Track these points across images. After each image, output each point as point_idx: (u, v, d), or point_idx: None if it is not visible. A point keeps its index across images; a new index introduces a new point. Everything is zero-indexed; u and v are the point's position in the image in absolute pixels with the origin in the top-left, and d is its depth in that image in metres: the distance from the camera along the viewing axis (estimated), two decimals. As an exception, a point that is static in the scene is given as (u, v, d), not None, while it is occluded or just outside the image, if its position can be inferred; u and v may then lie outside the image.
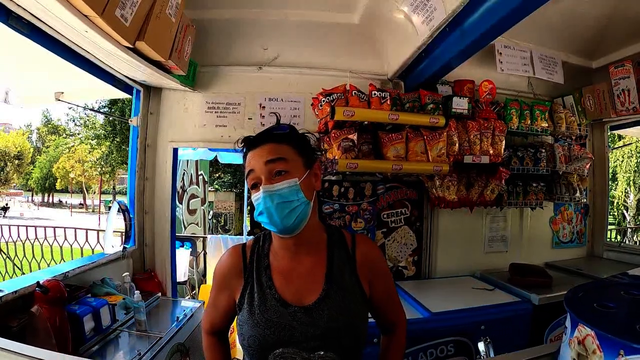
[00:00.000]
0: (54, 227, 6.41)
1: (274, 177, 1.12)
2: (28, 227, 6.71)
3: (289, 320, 1.12)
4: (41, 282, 1.85)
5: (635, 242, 8.76)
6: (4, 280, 5.45)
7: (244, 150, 1.21)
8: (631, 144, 10.59)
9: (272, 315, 1.13)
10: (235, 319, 1.25)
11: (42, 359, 1.00)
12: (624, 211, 15.87)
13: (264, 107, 3.09)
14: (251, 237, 1.38)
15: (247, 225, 6.21)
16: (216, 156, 6.23)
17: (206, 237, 4.92)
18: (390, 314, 1.35)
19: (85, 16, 1.65)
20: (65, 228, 6.39)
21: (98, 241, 5.92)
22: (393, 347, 1.35)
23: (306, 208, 1.15)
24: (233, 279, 1.24)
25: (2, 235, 6.78)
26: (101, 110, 14.75)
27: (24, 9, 1.72)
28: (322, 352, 1.07)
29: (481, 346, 1.14)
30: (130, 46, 2.01)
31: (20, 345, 1.05)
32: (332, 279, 1.18)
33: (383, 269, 1.32)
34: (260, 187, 1.12)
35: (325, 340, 1.10)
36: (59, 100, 3.02)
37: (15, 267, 6.16)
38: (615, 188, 15.48)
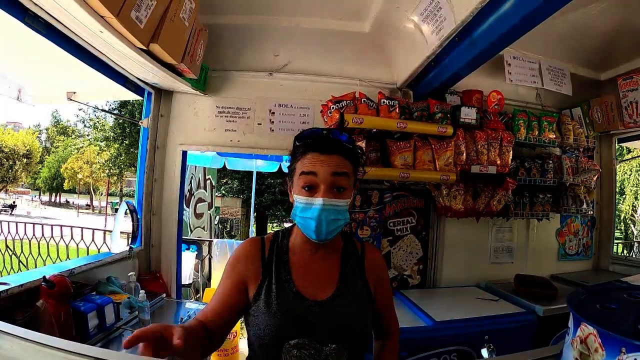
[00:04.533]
0: (61, 226, 6.45)
1: (334, 190, 1.17)
2: (35, 225, 6.77)
3: (305, 312, 1.17)
4: (47, 277, 1.87)
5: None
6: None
7: (306, 145, 1.22)
8: (639, 157, 10.51)
9: (288, 307, 1.17)
10: (238, 322, 1.28)
11: (53, 346, 1.01)
12: (632, 225, 15.71)
13: (273, 113, 3.12)
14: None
15: (253, 231, 6.25)
16: (224, 162, 6.27)
17: (212, 240, 4.94)
18: (387, 320, 1.41)
19: (101, 17, 1.68)
20: (72, 227, 6.42)
21: (104, 241, 5.94)
22: (388, 350, 1.41)
23: (344, 225, 1.23)
24: (249, 269, 1.25)
25: (9, 232, 6.83)
26: (112, 112, 14.87)
27: (41, 8, 1.75)
28: (334, 345, 1.13)
29: (484, 353, 1.15)
30: (144, 48, 2.03)
31: (33, 333, 1.06)
32: (345, 279, 1.26)
33: (385, 277, 1.41)
34: (320, 198, 1.15)
35: (337, 333, 1.15)
36: (71, 100, 3.05)
37: (20, 263, 6.20)
38: (623, 202, 15.34)
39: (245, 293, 1.23)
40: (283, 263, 1.26)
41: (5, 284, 1.78)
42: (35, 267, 6.01)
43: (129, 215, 2.97)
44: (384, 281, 1.38)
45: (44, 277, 1.87)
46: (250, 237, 1.37)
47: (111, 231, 3.46)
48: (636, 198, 15.45)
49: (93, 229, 6.23)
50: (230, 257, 1.31)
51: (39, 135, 40.18)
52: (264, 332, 1.15)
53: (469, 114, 2.91)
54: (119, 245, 2.93)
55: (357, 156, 1.28)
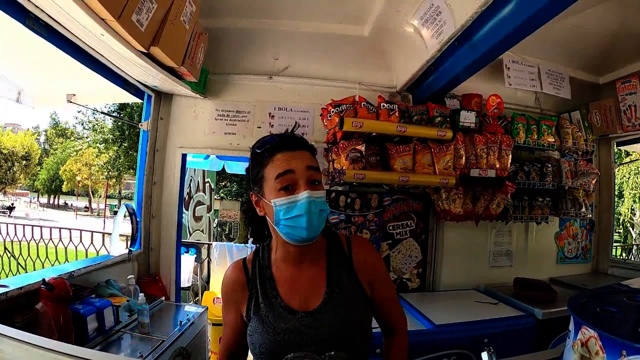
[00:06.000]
0: (60, 228, 6.45)
1: (313, 184, 1.16)
2: (33, 227, 6.76)
3: (297, 325, 1.16)
4: (47, 280, 1.87)
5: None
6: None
7: (269, 148, 1.20)
8: (638, 160, 10.55)
9: (280, 323, 1.17)
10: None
11: (52, 349, 1.02)
12: (630, 229, 15.70)
13: (273, 117, 3.13)
14: (253, 246, 1.40)
15: (252, 234, 6.20)
16: (223, 166, 6.26)
17: (211, 244, 4.93)
18: (391, 316, 1.38)
19: (102, 20, 1.69)
20: (70, 229, 6.41)
21: (103, 244, 5.94)
22: (395, 349, 1.38)
23: (326, 217, 1.20)
24: (238, 294, 1.28)
25: (8, 234, 6.82)
26: (112, 114, 14.90)
27: (42, 10, 1.76)
28: (333, 352, 1.08)
29: (485, 356, 1.14)
30: (145, 51, 2.04)
31: (33, 335, 1.06)
32: (332, 282, 1.22)
33: (380, 271, 1.34)
34: (305, 191, 1.13)
35: (333, 340, 1.14)
36: (71, 102, 3.05)
37: (19, 266, 6.19)
38: (622, 205, 15.34)
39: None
40: (267, 278, 1.26)
41: (4, 286, 1.78)
42: (34, 269, 6.01)
43: (128, 218, 2.98)
44: (380, 275, 1.33)
45: (44, 279, 1.87)
46: (234, 262, 1.35)
47: (110, 234, 3.45)
48: (635, 201, 15.44)
49: (92, 232, 6.23)
50: (221, 287, 1.34)
51: (38, 137, 40.17)
52: (259, 351, 1.18)
53: (468, 118, 2.91)
54: (118, 248, 2.93)
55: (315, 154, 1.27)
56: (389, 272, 3.12)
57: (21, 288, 1.82)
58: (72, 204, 41.32)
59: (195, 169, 6.43)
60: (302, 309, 1.19)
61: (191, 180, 6.34)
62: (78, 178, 32.86)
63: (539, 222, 3.31)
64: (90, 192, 37.09)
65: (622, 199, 15.39)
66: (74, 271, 2.26)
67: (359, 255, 1.29)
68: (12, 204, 31.48)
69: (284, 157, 1.16)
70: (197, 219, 6.67)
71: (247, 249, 4.20)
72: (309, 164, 1.17)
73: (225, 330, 1.33)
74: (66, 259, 6.00)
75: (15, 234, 6.77)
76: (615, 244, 5.32)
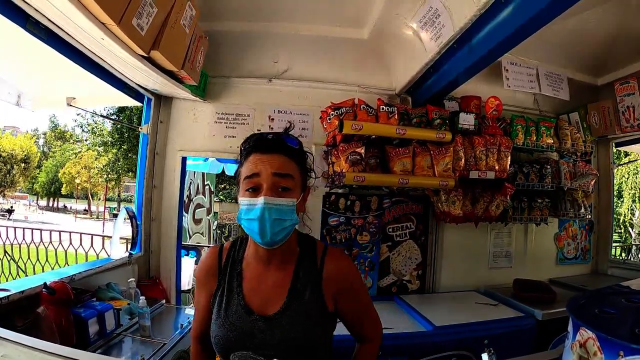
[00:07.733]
0: (59, 231, 6.44)
1: (277, 190, 1.14)
2: (33, 230, 6.75)
3: (250, 326, 1.16)
4: (48, 283, 1.87)
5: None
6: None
7: (248, 147, 1.20)
8: (636, 160, 10.56)
9: (235, 320, 1.18)
10: None
11: (54, 353, 1.02)
12: (630, 229, 15.70)
13: (272, 119, 3.13)
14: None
15: (251, 236, 6.15)
16: (223, 168, 6.25)
17: (211, 246, 4.93)
18: (361, 327, 1.36)
19: (103, 24, 1.69)
20: (70, 232, 6.41)
21: (103, 247, 5.93)
22: (362, 354, 1.37)
23: (292, 228, 1.19)
24: (210, 279, 1.29)
25: (7, 237, 6.81)
26: (111, 117, 14.87)
27: (43, 15, 1.76)
28: None
29: (485, 357, 1.15)
30: (145, 55, 2.04)
31: (35, 339, 1.07)
32: (294, 294, 1.21)
33: (351, 284, 1.29)
34: (262, 197, 1.11)
35: (281, 349, 1.14)
36: (71, 105, 3.05)
37: (19, 269, 6.17)
38: (621, 205, 15.35)
39: None
40: (236, 274, 1.26)
41: (6, 290, 1.78)
42: (34, 272, 6.00)
43: (128, 221, 2.98)
44: (350, 290, 1.27)
45: (45, 283, 1.87)
46: (212, 246, 1.35)
47: (109, 236, 3.45)
48: (634, 201, 15.45)
49: (91, 234, 6.22)
50: (196, 270, 1.35)
51: (37, 140, 40.15)
52: (215, 341, 1.20)
53: (467, 120, 2.92)
54: (119, 251, 2.93)
55: (303, 157, 1.25)
56: (389, 274, 3.13)
57: (23, 292, 1.82)
58: (71, 207, 41.31)
59: (194, 172, 6.42)
60: (259, 312, 1.18)
61: (191, 182, 6.33)
62: (77, 181, 32.81)
63: (538, 223, 3.32)
64: (90, 195, 37.07)
65: (621, 200, 15.39)
66: (74, 275, 2.26)
67: (329, 268, 1.24)
68: (12, 207, 31.43)
69: (255, 159, 1.16)
70: (197, 221, 6.66)
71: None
72: (276, 170, 1.14)
73: (196, 314, 1.35)
74: (66, 262, 5.99)
75: (15, 237, 6.75)
76: (614, 244, 5.32)
